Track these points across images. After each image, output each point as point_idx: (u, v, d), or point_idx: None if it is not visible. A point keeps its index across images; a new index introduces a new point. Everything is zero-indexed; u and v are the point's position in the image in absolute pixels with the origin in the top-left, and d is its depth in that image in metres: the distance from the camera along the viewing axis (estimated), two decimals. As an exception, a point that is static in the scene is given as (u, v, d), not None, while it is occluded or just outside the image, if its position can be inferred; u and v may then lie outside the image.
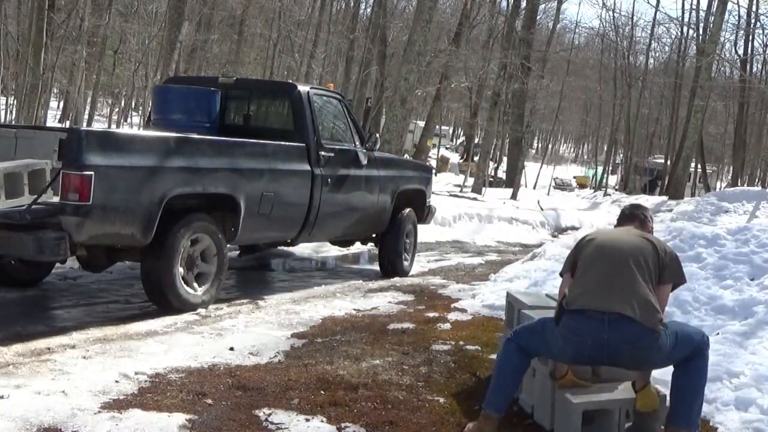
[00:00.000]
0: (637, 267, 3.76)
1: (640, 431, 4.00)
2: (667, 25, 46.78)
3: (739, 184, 32.40)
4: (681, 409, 3.75)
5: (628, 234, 4.04)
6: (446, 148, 50.87)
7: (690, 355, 3.80)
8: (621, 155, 47.11)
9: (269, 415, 3.97)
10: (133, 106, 34.37)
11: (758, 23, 36.98)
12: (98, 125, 26.48)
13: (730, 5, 30.16)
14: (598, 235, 4.10)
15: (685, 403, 3.75)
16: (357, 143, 8.14)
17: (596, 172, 46.51)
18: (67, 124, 25.32)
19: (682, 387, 3.78)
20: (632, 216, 4.29)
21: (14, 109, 18.95)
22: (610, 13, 56.91)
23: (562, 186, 42.89)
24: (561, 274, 4.12)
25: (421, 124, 34.23)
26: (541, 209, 19.17)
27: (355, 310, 6.58)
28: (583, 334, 3.67)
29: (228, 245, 6.52)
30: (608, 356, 3.70)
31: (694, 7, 39.42)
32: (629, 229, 4.14)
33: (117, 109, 31.97)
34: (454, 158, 45.76)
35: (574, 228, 15.87)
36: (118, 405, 3.91)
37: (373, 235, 8.82)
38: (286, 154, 7.13)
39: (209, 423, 3.81)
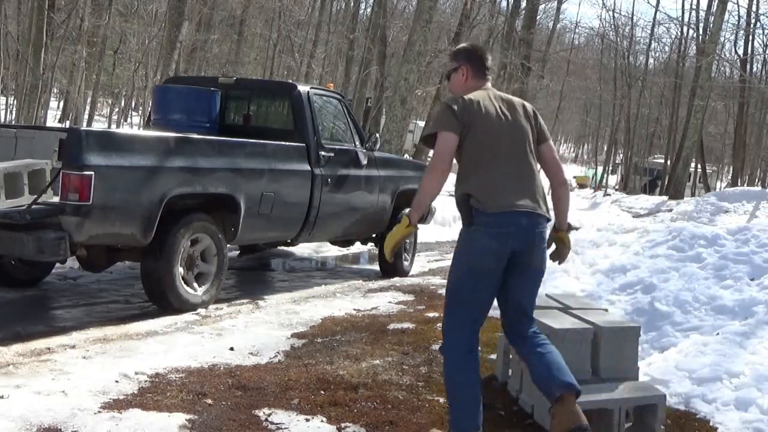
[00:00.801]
0: (531, 154, 3.72)
1: (640, 431, 4.00)
2: (667, 25, 47.00)
3: (739, 184, 32.44)
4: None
5: (511, 109, 3.75)
6: (446, 148, 50.76)
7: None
8: (621, 155, 47.11)
9: (269, 415, 3.97)
10: (133, 106, 34.37)
11: (758, 23, 37.11)
12: (98, 125, 26.48)
13: (730, 5, 30.22)
14: (487, 109, 3.65)
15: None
16: (357, 143, 8.14)
17: (596, 172, 46.50)
18: (67, 124, 25.33)
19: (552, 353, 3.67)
20: (489, 71, 3.88)
21: (14, 109, 18.94)
22: (610, 13, 56.98)
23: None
24: (436, 129, 3.64)
25: (421, 124, 34.22)
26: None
27: (355, 310, 6.58)
28: (507, 225, 3.56)
29: (228, 245, 6.53)
30: (527, 245, 3.60)
31: (694, 7, 39.53)
32: (503, 97, 3.81)
33: (117, 109, 31.97)
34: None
35: (574, 228, 15.85)
36: (118, 405, 3.92)
37: (373, 235, 8.82)
38: (286, 154, 7.13)
39: (209, 423, 3.81)
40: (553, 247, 3.91)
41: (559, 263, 4.03)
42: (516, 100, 3.85)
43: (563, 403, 3.48)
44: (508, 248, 3.57)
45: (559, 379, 3.54)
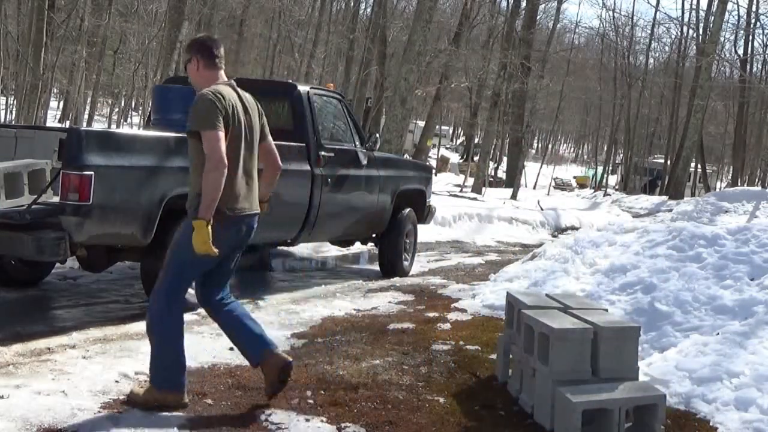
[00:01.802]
0: (255, 155, 4.11)
1: (640, 431, 4.00)
2: (667, 25, 46.77)
3: (739, 184, 32.44)
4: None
5: (248, 105, 4.11)
6: (446, 148, 50.88)
7: None
8: (621, 155, 47.11)
9: (269, 415, 3.97)
10: (133, 106, 34.39)
11: (758, 23, 37.04)
12: (98, 125, 26.49)
13: (730, 5, 30.20)
14: (237, 105, 3.99)
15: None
16: (357, 143, 8.14)
17: (596, 172, 46.51)
18: (67, 124, 25.32)
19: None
20: (221, 59, 4.11)
21: (14, 109, 18.95)
22: (610, 13, 56.83)
23: (562, 186, 42.87)
24: (208, 128, 3.80)
25: (421, 124, 34.25)
26: (541, 209, 19.16)
27: (355, 310, 6.58)
28: (241, 230, 4.03)
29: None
30: (243, 242, 4.12)
31: (694, 7, 39.35)
32: (239, 90, 4.12)
33: (117, 109, 31.98)
34: (454, 158, 45.75)
35: (574, 228, 15.86)
36: (118, 405, 3.92)
37: (373, 235, 8.82)
38: (286, 154, 7.10)
39: (209, 423, 3.81)
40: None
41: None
42: (251, 97, 4.19)
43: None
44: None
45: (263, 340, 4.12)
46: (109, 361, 4.62)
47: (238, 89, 4.10)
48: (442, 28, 33.57)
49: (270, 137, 4.26)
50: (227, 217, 3.90)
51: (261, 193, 4.21)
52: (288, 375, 4.13)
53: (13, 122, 16.90)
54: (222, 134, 3.81)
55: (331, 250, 10.17)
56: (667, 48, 47.97)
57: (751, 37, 37.29)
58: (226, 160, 3.77)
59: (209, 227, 3.76)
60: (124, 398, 4.00)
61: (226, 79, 4.08)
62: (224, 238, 3.91)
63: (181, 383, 3.95)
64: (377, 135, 8.64)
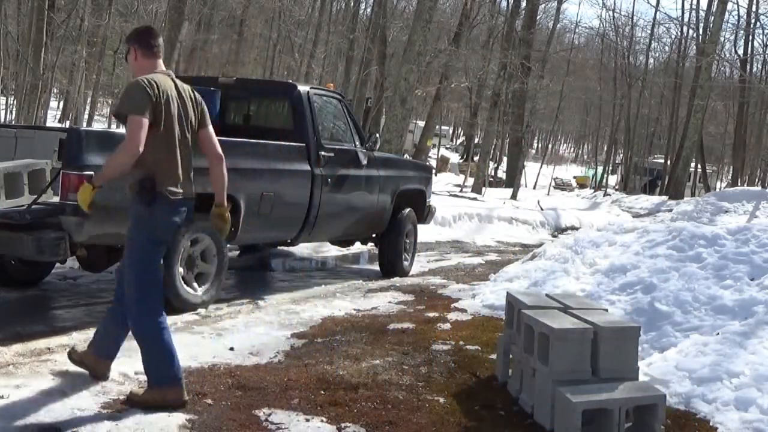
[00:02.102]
0: (191, 142, 4.15)
1: (640, 431, 4.00)
2: (667, 25, 46.85)
3: (739, 184, 32.44)
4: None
5: (184, 93, 4.13)
6: (446, 148, 50.87)
7: None
8: (621, 155, 47.11)
9: (269, 415, 3.97)
10: (133, 106, 34.28)
11: (758, 23, 37.07)
12: (98, 125, 26.48)
13: (730, 5, 30.21)
14: (171, 92, 4.03)
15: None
16: (357, 143, 8.13)
17: (596, 172, 46.51)
18: (67, 124, 25.32)
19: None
20: (159, 49, 4.16)
21: (14, 109, 18.94)
22: (610, 13, 56.93)
23: (562, 186, 42.89)
24: (134, 112, 3.87)
25: (421, 124, 34.24)
26: (541, 209, 19.16)
27: (355, 310, 6.58)
28: (183, 211, 4.11)
29: (228, 245, 6.52)
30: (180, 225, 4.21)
31: (694, 7, 39.52)
32: (175, 79, 4.16)
33: (117, 109, 31.91)
34: (454, 158, 45.75)
35: (574, 228, 15.86)
36: (118, 405, 3.92)
37: (373, 235, 8.82)
38: (286, 154, 7.13)
39: (209, 423, 3.81)
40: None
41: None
42: (188, 86, 4.22)
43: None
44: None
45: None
46: (109, 361, 4.61)
47: (176, 79, 4.17)
48: (442, 28, 33.56)
49: (210, 127, 4.30)
50: (169, 201, 4.00)
51: (217, 199, 4.30)
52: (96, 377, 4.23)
53: (13, 122, 16.90)
54: (146, 121, 3.88)
55: (331, 250, 10.17)
56: (667, 48, 48.03)
57: (751, 37, 37.32)
58: (141, 148, 3.85)
59: (93, 192, 3.96)
60: (124, 398, 4.00)
61: (164, 69, 4.16)
62: (168, 221, 4.04)
63: (178, 377, 3.99)
64: (377, 135, 8.64)
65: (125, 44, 4.29)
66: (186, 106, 4.13)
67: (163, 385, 3.95)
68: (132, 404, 3.92)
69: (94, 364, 4.23)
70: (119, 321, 4.19)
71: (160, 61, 4.15)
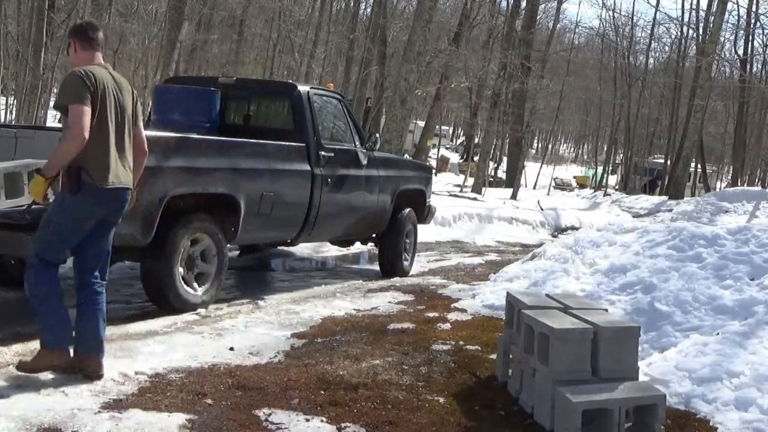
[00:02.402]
0: (129, 134, 4.34)
1: (640, 431, 4.00)
2: (667, 25, 46.88)
3: (739, 184, 32.45)
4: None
5: (121, 86, 4.31)
6: (446, 148, 50.87)
7: None
8: (621, 155, 47.11)
9: (269, 415, 3.97)
10: (133, 106, 34.28)
11: (758, 23, 37.09)
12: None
13: (730, 5, 30.21)
14: (107, 84, 4.19)
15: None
16: (357, 143, 8.13)
17: (596, 172, 46.51)
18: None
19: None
20: (97, 41, 4.34)
21: (14, 109, 18.93)
22: (610, 13, 56.96)
23: (562, 186, 42.89)
24: (74, 102, 4.04)
25: (421, 124, 34.23)
26: (541, 209, 19.16)
27: (355, 310, 6.58)
28: (110, 203, 4.26)
29: (228, 245, 6.52)
30: (115, 215, 4.35)
31: (694, 7, 39.55)
32: (113, 72, 4.34)
33: (117, 109, 31.91)
34: (454, 158, 45.75)
35: (574, 228, 15.86)
36: (118, 405, 3.92)
37: (373, 235, 8.82)
38: (286, 154, 7.13)
39: (209, 423, 3.81)
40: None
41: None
42: (125, 80, 4.43)
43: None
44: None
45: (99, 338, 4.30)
46: (109, 361, 4.60)
47: (113, 72, 4.35)
48: (442, 28, 33.55)
49: (141, 123, 4.51)
50: (97, 189, 4.13)
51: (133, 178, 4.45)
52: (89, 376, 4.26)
53: (13, 122, 16.89)
54: (88, 109, 4.03)
55: (331, 250, 10.17)
56: (667, 48, 48.04)
57: (751, 37, 37.33)
58: (86, 134, 3.99)
59: (46, 184, 4.07)
60: (124, 398, 4.01)
61: (102, 62, 4.32)
62: (94, 210, 4.18)
63: (65, 343, 4.19)
64: (377, 135, 8.63)
65: (67, 39, 4.46)
66: (124, 98, 4.31)
67: (52, 349, 4.15)
68: (23, 370, 4.12)
69: (84, 364, 4.26)
70: (85, 308, 4.29)
71: (99, 54, 4.33)
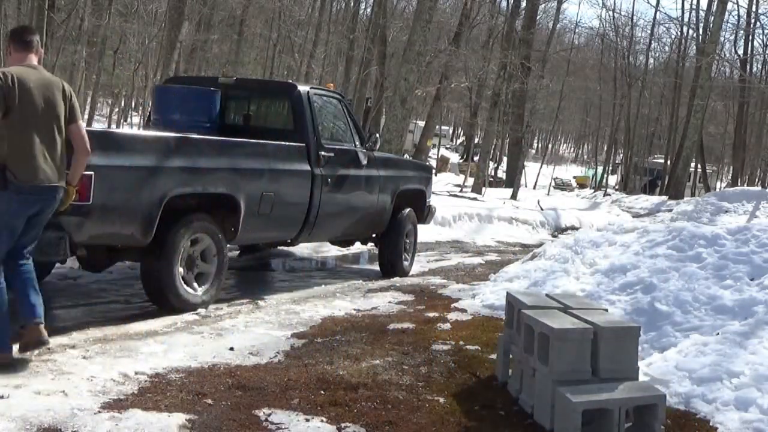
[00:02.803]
0: (59, 132, 4.42)
1: (640, 431, 4.00)
2: (667, 25, 46.97)
3: (739, 184, 32.47)
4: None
5: (49, 85, 4.40)
6: (446, 148, 50.87)
7: None
8: (621, 155, 47.11)
9: (269, 415, 3.97)
10: (133, 106, 34.37)
11: (758, 23, 37.08)
12: (98, 125, 26.47)
13: (730, 5, 30.20)
14: (29, 83, 4.29)
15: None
16: (357, 143, 8.13)
17: (596, 172, 46.51)
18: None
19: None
20: (30, 44, 4.50)
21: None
22: (610, 13, 56.93)
23: (562, 186, 42.89)
24: None
25: (421, 124, 34.23)
26: (541, 209, 19.16)
27: (355, 310, 6.58)
28: (37, 202, 4.36)
29: (228, 245, 6.52)
30: (44, 213, 4.44)
31: (694, 7, 39.50)
32: (41, 71, 4.46)
33: (117, 109, 31.96)
34: (454, 158, 45.75)
35: (574, 228, 15.87)
36: (118, 405, 3.92)
37: (373, 235, 8.82)
38: (286, 154, 7.13)
39: (209, 423, 3.81)
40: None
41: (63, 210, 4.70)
42: (56, 80, 4.52)
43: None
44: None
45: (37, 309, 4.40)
46: (109, 361, 4.62)
47: (44, 71, 4.47)
48: (442, 28, 33.55)
49: (80, 122, 4.61)
50: (21, 188, 4.23)
51: (69, 177, 4.58)
52: (37, 348, 4.45)
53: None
54: None
55: (331, 250, 10.17)
56: (667, 48, 48.06)
57: (751, 37, 37.33)
58: None
59: None
60: (124, 398, 4.00)
61: (33, 63, 4.45)
62: (18, 207, 4.27)
63: (7, 340, 4.32)
64: (377, 135, 8.63)
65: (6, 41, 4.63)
66: (53, 98, 4.39)
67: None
68: None
69: (29, 336, 4.38)
70: (18, 282, 4.43)
71: (32, 56, 4.47)
